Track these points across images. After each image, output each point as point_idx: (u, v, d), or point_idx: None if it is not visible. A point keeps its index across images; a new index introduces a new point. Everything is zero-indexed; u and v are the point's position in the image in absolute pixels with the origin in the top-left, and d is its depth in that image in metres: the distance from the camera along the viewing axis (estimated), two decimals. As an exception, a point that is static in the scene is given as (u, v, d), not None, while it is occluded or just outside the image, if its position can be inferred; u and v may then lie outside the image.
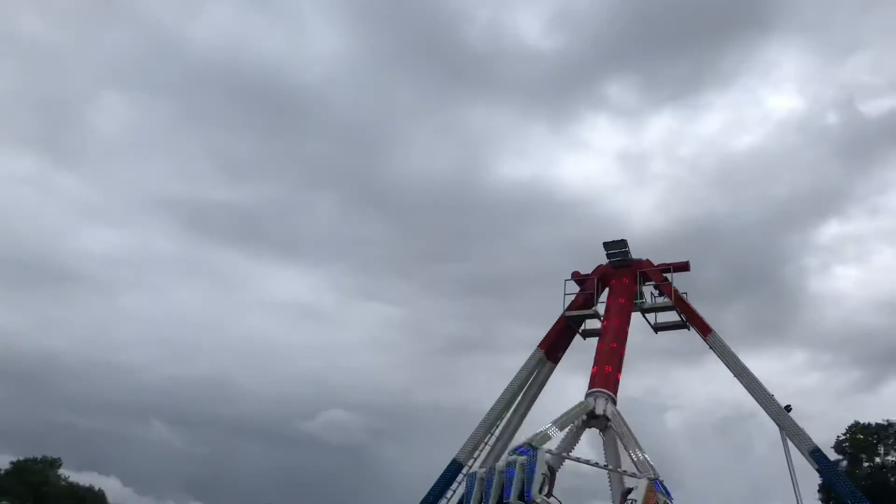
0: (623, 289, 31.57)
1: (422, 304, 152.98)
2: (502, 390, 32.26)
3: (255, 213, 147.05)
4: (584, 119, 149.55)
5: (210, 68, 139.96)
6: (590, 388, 27.44)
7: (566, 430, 25.63)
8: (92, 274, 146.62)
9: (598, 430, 27.14)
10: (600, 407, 26.64)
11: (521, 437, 33.79)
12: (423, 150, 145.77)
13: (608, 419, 26.47)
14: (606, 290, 32.32)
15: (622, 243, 32.35)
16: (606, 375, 27.77)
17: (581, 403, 26.74)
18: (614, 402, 27.24)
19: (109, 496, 71.59)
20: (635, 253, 32.86)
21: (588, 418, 26.66)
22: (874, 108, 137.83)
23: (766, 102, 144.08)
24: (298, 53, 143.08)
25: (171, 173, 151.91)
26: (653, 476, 23.09)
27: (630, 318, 31.17)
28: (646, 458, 24.40)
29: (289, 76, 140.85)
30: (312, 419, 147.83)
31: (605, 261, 32.71)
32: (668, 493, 23.37)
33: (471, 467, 31.75)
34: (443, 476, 31.38)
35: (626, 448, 25.39)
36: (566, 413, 25.77)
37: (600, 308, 31.79)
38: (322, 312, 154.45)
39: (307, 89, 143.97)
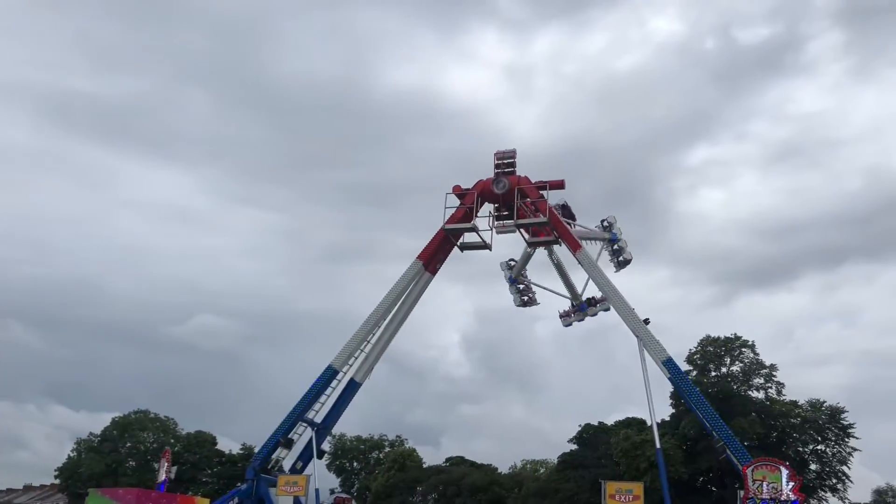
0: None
1: (301, 210, 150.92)
2: (380, 298, 32.81)
3: (122, 106, 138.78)
4: (473, 29, 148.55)
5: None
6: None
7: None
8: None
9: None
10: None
11: (396, 345, 34.79)
12: (306, 49, 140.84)
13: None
14: (486, 204, 32.93)
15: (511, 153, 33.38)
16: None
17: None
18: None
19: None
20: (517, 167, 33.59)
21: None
22: (749, 35, 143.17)
23: (649, 23, 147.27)
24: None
25: (25, 57, 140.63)
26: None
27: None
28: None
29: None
30: (183, 324, 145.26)
31: (486, 175, 33.16)
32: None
33: (346, 374, 32.43)
34: (318, 382, 31.87)
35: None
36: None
37: (479, 222, 32.45)
38: (195, 215, 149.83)
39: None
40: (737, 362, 58.25)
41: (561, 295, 37.42)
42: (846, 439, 55.35)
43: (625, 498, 26.84)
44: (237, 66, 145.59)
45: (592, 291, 35.75)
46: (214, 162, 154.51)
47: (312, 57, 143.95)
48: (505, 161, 33.01)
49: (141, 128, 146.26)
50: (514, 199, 32.20)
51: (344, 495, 73.09)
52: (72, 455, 76.94)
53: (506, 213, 32.63)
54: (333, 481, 75.92)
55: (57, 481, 76.69)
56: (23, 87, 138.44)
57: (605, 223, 34.93)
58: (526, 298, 37.93)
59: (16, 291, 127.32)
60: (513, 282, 37.57)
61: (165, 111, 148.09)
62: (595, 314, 37.06)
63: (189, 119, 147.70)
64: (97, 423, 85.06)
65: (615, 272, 35.03)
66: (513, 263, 37.47)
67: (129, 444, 75.83)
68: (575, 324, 37.87)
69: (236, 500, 31.74)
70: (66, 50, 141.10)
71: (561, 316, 38.11)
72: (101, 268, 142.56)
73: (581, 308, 37.08)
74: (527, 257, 37.14)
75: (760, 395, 57.19)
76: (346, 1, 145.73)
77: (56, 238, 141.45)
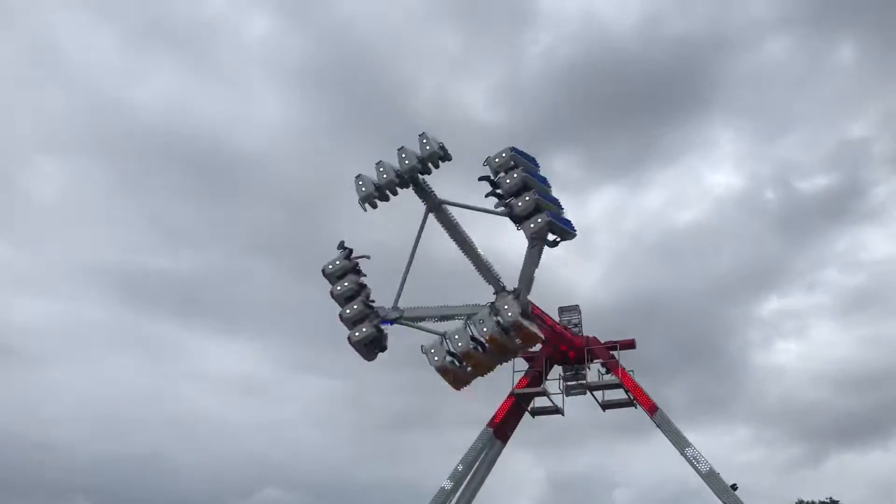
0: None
1: (364, 375, 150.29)
2: (447, 468, 31.51)
3: (192, 281, 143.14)
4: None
5: (150, 133, 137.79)
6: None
7: None
8: (21, 346, 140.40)
9: None
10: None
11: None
12: (366, 217, 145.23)
13: None
14: (555, 367, 32.32)
15: (575, 308, 32.84)
16: None
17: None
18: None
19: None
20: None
21: None
22: (809, 185, 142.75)
23: (706, 179, 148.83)
24: (242, 119, 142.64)
25: (105, 240, 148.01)
26: None
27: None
28: None
29: (231, 142, 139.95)
30: (248, 498, 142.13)
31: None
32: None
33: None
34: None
35: None
36: None
37: (549, 386, 31.68)
38: (260, 386, 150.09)
39: (250, 156, 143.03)
40: (835, 529, 54.08)
41: None
42: None
43: None
44: (301, 238, 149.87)
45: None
46: (279, 331, 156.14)
47: (372, 224, 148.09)
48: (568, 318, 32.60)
49: (209, 300, 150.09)
50: (585, 359, 31.65)
51: None
52: None
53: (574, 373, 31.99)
54: None
55: None
56: (101, 269, 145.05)
57: None
58: None
59: (87, 470, 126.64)
60: None
61: (233, 283, 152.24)
62: None
63: (255, 290, 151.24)
64: None
65: None
66: None
67: None
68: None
69: None
70: (141, 230, 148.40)
71: None
72: (169, 442, 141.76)
73: None
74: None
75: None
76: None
77: (126, 414, 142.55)
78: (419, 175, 27.82)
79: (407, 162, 27.05)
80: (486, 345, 24.92)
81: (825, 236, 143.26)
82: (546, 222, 25.41)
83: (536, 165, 27.17)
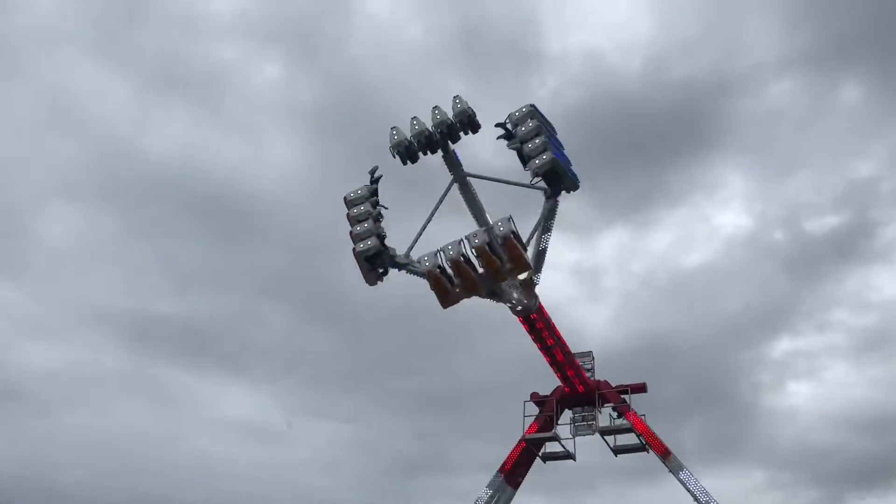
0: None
1: (372, 419, 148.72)
2: (460, 516, 31.28)
3: (202, 325, 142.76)
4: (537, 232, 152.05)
5: (163, 178, 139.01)
6: None
7: None
8: (31, 391, 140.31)
9: None
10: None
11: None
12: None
13: None
14: (565, 411, 32.06)
15: (588, 354, 32.73)
16: None
17: None
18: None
19: None
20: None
21: None
22: (817, 225, 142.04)
23: (714, 219, 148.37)
24: (253, 164, 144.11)
25: (117, 285, 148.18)
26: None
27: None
28: None
29: (243, 187, 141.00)
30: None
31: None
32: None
33: None
34: None
35: None
36: None
37: (561, 430, 31.37)
38: (270, 431, 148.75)
39: (261, 200, 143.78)
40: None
41: None
42: None
43: None
44: (312, 281, 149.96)
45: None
46: (288, 375, 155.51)
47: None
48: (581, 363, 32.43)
49: (219, 344, 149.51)
50: (595, 400, 31.40)
51: None
52: None
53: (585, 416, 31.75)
54: None
55: None
56: (111, 313, 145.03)
57: None
58: None
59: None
60: None
61: (243, 327, 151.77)
62: None
63: (265, 334, 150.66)
64: None
65: None
66: None
67: None
68: None
69: None
70: (152, 275, 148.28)
71: None
72: (179, 487, 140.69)
73: None
74: None
75: None
76: (413, 215, 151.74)
77: (136, 459, 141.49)
78: (448, 143, 27.88)
79: (439, 117, 27.35)
80: (476, 260, 24.58)
81: (835, 276, 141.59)
82: (550, 159, 26.05)
83: (554, 130, 27.98)
